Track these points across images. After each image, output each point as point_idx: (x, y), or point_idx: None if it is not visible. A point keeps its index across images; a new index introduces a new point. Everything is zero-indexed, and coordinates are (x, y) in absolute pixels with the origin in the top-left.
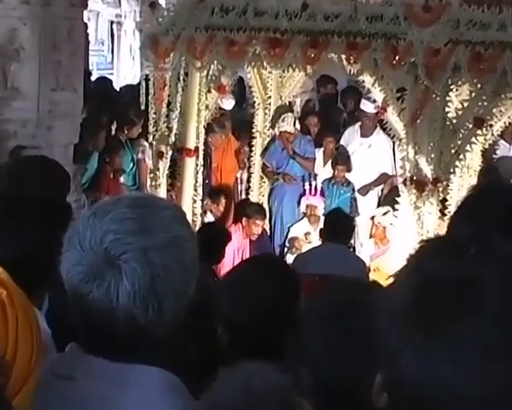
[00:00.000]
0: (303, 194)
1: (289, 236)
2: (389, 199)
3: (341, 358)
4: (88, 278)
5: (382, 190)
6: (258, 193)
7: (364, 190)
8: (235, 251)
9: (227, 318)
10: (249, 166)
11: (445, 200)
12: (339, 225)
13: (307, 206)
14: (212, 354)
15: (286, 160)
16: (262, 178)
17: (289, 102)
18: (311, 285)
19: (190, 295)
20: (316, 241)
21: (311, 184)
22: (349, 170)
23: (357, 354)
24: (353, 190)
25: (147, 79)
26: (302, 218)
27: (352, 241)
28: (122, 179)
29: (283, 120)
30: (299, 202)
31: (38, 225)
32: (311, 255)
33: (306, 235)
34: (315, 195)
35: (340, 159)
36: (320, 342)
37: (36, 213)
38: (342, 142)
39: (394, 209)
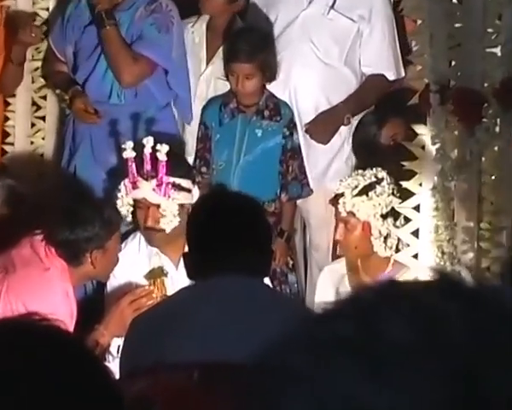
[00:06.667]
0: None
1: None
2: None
3: None
4: None
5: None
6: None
7: (324, 130)
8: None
9: None
10: None
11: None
12: (230, 233)
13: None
14: None
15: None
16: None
17: None
18: (183, 393)
19: None
20: (185, 281)
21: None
22: (271, 72)
23: None
24: (291, 127)
25: None
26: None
27: (287, 265)
28: None
29: None
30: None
31: None
32: (177, 318)
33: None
34: (151, 167)
35: (244, 43)
36: None
37: None
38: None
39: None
